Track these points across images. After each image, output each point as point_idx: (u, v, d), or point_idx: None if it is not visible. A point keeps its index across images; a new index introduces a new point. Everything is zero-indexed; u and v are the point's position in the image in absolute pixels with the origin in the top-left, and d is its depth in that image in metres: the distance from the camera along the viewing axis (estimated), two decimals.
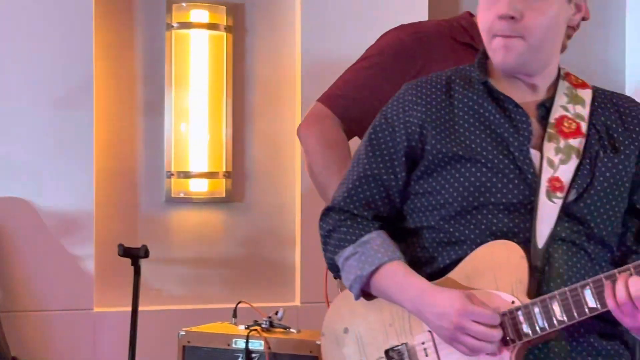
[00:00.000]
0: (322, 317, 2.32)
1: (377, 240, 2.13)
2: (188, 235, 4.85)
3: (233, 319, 3.47)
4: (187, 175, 4.78)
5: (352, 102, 2.91)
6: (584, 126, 2.10)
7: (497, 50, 2.09)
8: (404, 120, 2.16)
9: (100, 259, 4.61)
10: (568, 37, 2.22)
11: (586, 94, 2.16)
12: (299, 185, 4.84)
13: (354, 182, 2.20)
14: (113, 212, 4.72)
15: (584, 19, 2.21)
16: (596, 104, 2.16)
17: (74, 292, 4.54)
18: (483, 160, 2.06)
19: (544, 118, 2.12)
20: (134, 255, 3.52)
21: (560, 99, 2.13)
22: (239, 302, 3.52)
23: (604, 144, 2.10)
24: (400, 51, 2.89)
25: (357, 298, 2.16)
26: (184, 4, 4.75)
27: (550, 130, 2.09)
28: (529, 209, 2.03)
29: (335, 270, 2.25)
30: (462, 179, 2.07)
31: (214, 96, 4.78)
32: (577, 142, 2.08)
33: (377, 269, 2.10)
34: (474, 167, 2.06)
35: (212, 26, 4.77)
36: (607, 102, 2.18)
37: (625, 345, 2.14)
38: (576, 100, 2.13)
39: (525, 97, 2.14)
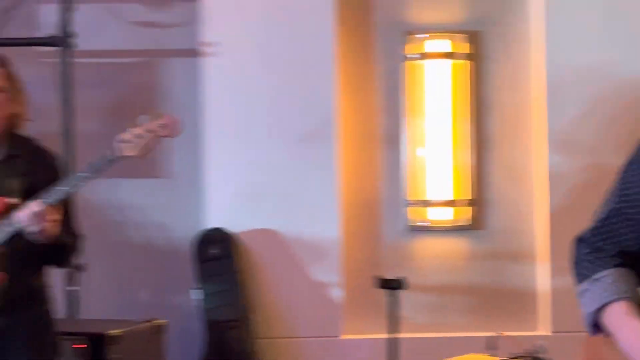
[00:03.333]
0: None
1: (609, 279, 2.09)
2: (430, 264, 4.87)
3: (490, 350, 3.41)
4: (425, 203, 4.81)
5: None
6: None
7: None
8: None
9: (347, 287, 4.71)
10: None
11: None
12: (541, 211, 4.74)
13: (602, 215, 2.17)
14: (357, 240, 4.82)
15: None
16: None
17: (322, 320, 4.67)
18: None
19: None
20: (391, 287, 3.59)
21: None
22: (495, 333, 3.45)
23: None
24: None
25: (590, 335, 2.10)
26: (422, 35, 4.80)
27: None
28: None
29: None
30: None
31: (455, 124, 4.79)
32: None
33: (601, 308, 2.05)
34: None
35: (450, 55, 4.79)
36: None
37: None
38: None
39: None
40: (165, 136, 2.96)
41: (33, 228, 2.89)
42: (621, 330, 2.03)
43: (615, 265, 2.12)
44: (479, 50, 4.86)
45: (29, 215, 2.87)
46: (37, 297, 3.09)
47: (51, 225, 2.90)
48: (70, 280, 4.37)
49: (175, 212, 4.86)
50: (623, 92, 4.64)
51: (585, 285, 2.12)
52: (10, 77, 3.09)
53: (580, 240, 2.21)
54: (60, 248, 3.02)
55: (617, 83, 4.64)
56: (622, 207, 2.13)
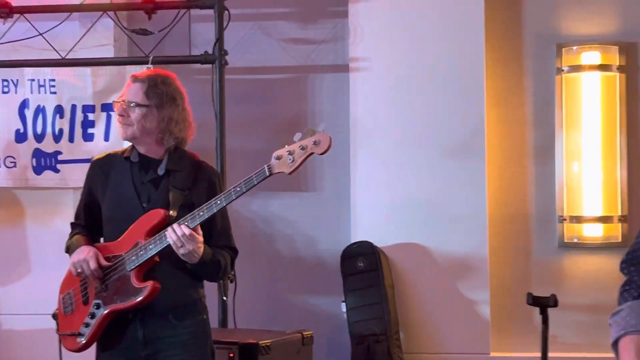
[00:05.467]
0: None
1: (623, 312, 2.08)
2: (581, 282, 4.74)
3: None
4: (579, 220, 4.69)
5: None
6: None
7: None
8: None
9: (496, 304, 4.65)
10: None
11: None
12: None
13: (632, 247, 2.20)
14: (506, 257, 4.75)
15: None
16: None
17: (470, 337, 4.62)
18: None
19: None
20: (543, 304, 3.52)
21: None
22: None
23: None
24: None
25: None
26: (574, 47, 4.70)
27: None
28: None
29: None
30: None
31: (606, 138, 4.66)
32: None
33: (615, 342, 2.04)
34: None
35: (603, 67, 4.67)
36: None
37: None
38: None
39: None
40: (318, 153, 3.01)
41: (181, 250, 2.99)
42: None
43: (635, 298, 2.09)
44: (632, 62, 4.71)
45: (177, 237, 2.98)
46: (194, 307, 3.19)
47: (198, 248, 3.00)
48: (222, 290, 4.49)
49: (323, 226, 4.93)
50: None
51: (610, 319, 2.10)
52: (151, 94, 3.17)
53: (620, 269, 2.20)
54: (208, 266, 3.11)
55: None
56: None
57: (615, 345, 2.04)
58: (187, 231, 2.97)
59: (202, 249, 3.02)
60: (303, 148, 2.98)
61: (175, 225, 2.99)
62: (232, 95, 4.72)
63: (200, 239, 3.01)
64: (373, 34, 4.72)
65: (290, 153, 2.98)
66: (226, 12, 4.59)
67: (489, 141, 4.70)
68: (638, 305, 2.08)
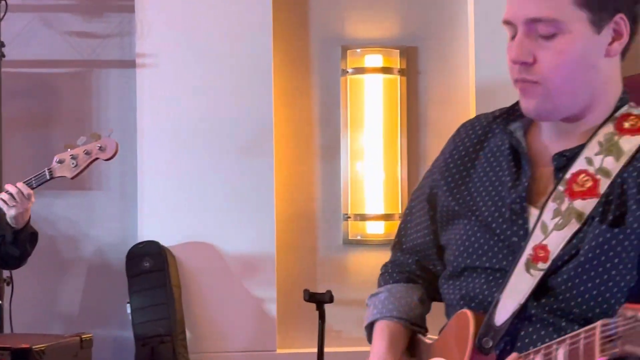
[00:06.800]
0: None
1: (381, 296, 2.07)
2: (366, 278, 4.87)
3: None
4: (363, 217, 4.82)
5: None
6: (604, 185, 1.67)
7: (520, 96, 1.81)
8: (434, 166, 2.02)
9: (282, 302, 4.70)
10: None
11: (631, 143, 1.69)
12: None
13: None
14: (293, 255, 4.81)
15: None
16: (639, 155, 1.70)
17: (257, 334, 4.64)
18: (473, 218, 1.83)
19: (561, 171, 1.74)
20: (319, 300, 3.59)
21: (591, 149, 1.71)
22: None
23: (616, 206, 1.67)
24: None
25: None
26: (358, 50, 4.83)
27: (560, 187, 1.71)
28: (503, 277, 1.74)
29: None
30: (456, 237, 1.87)
31: (388, 138, 4.82)
32: (583, 205, 1.67)
33: (370, 325, 2.04)
34: (468, 224, 1.84)
35: (385, 70, 4.82)
36: None
37: None
38: (610, 151, 1.69)
39: (558, 145, 1.78)
40: (103, 159, 2.98)
41: (13, 210, 2.87)
42: (370, 348, 2.00)
43: (396, 281, 2.08)
44: (413, 66, 4.89)
45: (12, 195, 2.85)
46: None
47: (27, 211, 2.91)
48: None
49: (108, 225, 4.81)
50: None
51: (368, 299, 2.10)
52: None
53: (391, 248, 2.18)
54: (29, 234, 3.00)
55: None
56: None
57: (370, 327, 2.03)
58: (26, 190, 2.86)
59: (28, 214, 2.93)
60: (88, 153, 2.96)
61: (9, 185, 2.88)
62: (9, 90, 4.51)
63: (31, 202, 2.92)
64: (160, 30, 4.66)
65: (74, 157, 2.95)
66: (2, 1, 4.39)
67: (277, 140, 4.75)
68: (397, 290, 2.06)
